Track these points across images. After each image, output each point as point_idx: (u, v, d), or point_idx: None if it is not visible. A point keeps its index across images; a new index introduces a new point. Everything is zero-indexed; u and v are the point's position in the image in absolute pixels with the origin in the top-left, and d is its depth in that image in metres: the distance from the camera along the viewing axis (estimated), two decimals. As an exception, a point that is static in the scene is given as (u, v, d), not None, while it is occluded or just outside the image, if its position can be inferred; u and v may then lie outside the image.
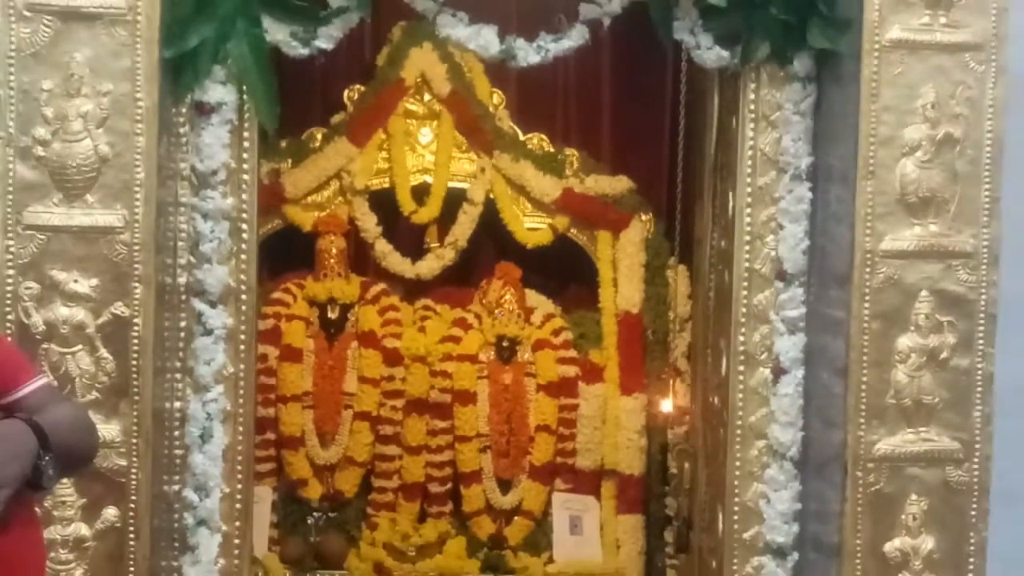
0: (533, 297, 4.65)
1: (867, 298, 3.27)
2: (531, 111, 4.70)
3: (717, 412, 3.64)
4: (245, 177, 3.30)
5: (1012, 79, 3.26)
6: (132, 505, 3.11)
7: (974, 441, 3.34)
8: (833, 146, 3.33)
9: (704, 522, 3.80)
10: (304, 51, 3.27)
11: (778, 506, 3.42)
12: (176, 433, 3.25)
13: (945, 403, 3.33)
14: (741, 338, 3.45)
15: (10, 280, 3.06)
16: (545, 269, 4.71)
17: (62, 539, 3.08)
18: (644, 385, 4.55)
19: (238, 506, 3.34)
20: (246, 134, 3.29)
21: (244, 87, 3.23)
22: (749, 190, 3.41)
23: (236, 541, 3.33)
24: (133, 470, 3.10)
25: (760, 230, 3.42)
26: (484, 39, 3.35)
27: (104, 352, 3.09)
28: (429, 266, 4.62)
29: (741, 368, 3.46)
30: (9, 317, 3.06)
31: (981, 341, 3.33)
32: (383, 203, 4.62)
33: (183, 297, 3.25)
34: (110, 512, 3.11)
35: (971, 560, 3.35)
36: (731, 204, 3.49)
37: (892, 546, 3.33)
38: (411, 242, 4.66)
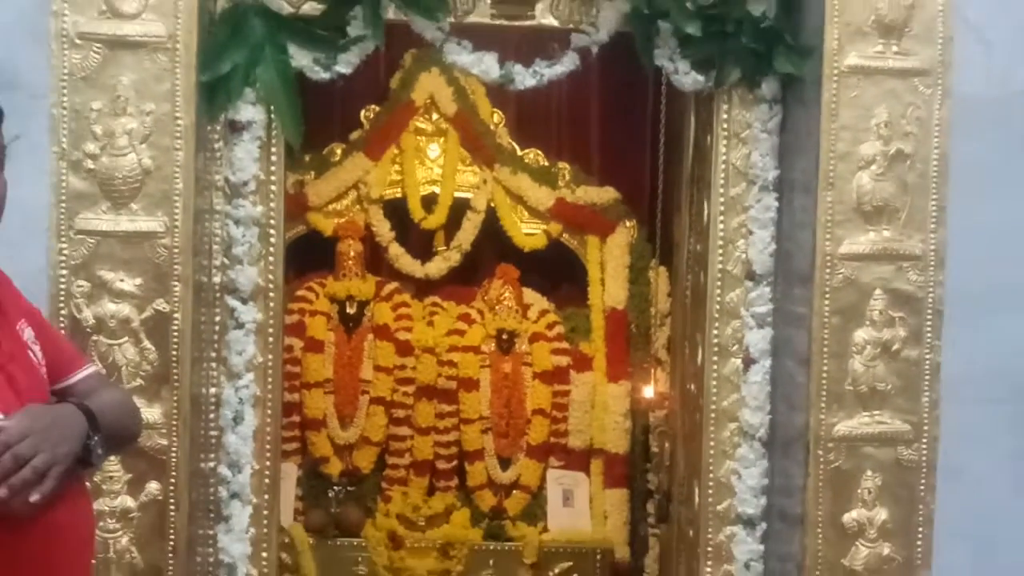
0: (529, 295, 4.65)
1: (827, 296, 3.26)
2: (528, 129, 4.71)
3: (693, 397, 3.63)
4: (273, 187, 3.30)
5: (956, 101, 3.26)
6: (172, 480, 3.10)
7: (923, 423, 3.33)
8: (797, 160, 3.32)
9: (682, 495, 3.80)
10: (325, 75, 3.26)
11: (748, 481, 3.41)
12: (212, 416, 3.25)
13: (897, 390, 3.32)
14: (715, 331, 3.44)
15: (63, 279, 3.06)
16: (540, 270, 4.71)
17: (110, 510, 3.08)
18: (629, 373, 4.56)
19: (267, 481, 3.33)
20: (274, 149, 3.28)
21: (272, 107, 3.23)
22: (722, 200, 3.41)
23: (265, 512, 3.32)
24: (173, 449, 3.10)
25: (732, 235, 3.41)
26: (486, 65, 3.35)
27: (147, 344, 3.08)
28: (437, 267, 4.63)
29: (715, 358, 3.45)
30: (63, 312, 3.06)
31: (929, 335, 3.32)
32: (396, 211, 4.62)
33: (218, 294, 3.25)
34: (153, 486, 3.10)
35: (920, 529, 3.34)
36: (706, 212, 3.49)
37: (849, 517, 3.32)
38: (421, 246, 4.67)
